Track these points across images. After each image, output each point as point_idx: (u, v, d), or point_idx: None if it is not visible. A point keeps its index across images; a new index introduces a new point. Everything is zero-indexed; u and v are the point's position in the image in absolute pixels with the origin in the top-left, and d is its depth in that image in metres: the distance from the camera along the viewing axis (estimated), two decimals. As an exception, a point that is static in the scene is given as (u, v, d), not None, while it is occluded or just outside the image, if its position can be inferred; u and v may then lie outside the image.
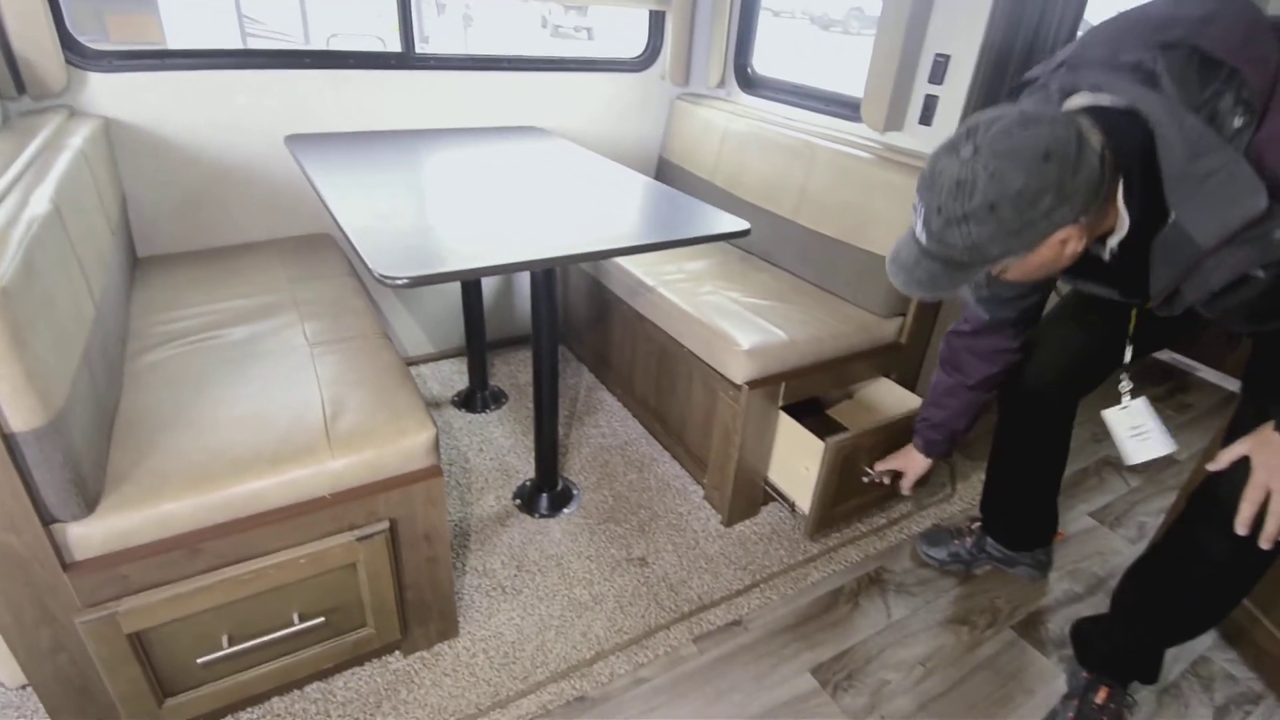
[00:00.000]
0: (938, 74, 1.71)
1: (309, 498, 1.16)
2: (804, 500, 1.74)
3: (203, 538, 1.11)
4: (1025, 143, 0.83)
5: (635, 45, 2.48)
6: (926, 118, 1.77)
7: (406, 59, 2.06)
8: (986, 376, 1.44)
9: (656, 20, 2.42)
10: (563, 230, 1.45)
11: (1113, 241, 0.95)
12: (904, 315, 1.88)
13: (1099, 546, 1.89)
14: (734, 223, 1.53)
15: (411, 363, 2.48)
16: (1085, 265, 1.01)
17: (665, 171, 2.58)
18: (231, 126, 1.90)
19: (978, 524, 1.78)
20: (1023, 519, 1.71)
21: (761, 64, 2.39)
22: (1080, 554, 1.86)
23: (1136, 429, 1.27)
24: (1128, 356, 1.27)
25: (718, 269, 2.10)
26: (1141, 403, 1.27)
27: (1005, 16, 1.59)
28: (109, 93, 1.76)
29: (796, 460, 1.74)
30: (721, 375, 1.72)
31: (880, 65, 1.76)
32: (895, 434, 1.69)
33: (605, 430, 2.20)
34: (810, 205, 2.00)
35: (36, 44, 1.59)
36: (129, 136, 1.81)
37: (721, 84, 2.40)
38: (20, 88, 1.62)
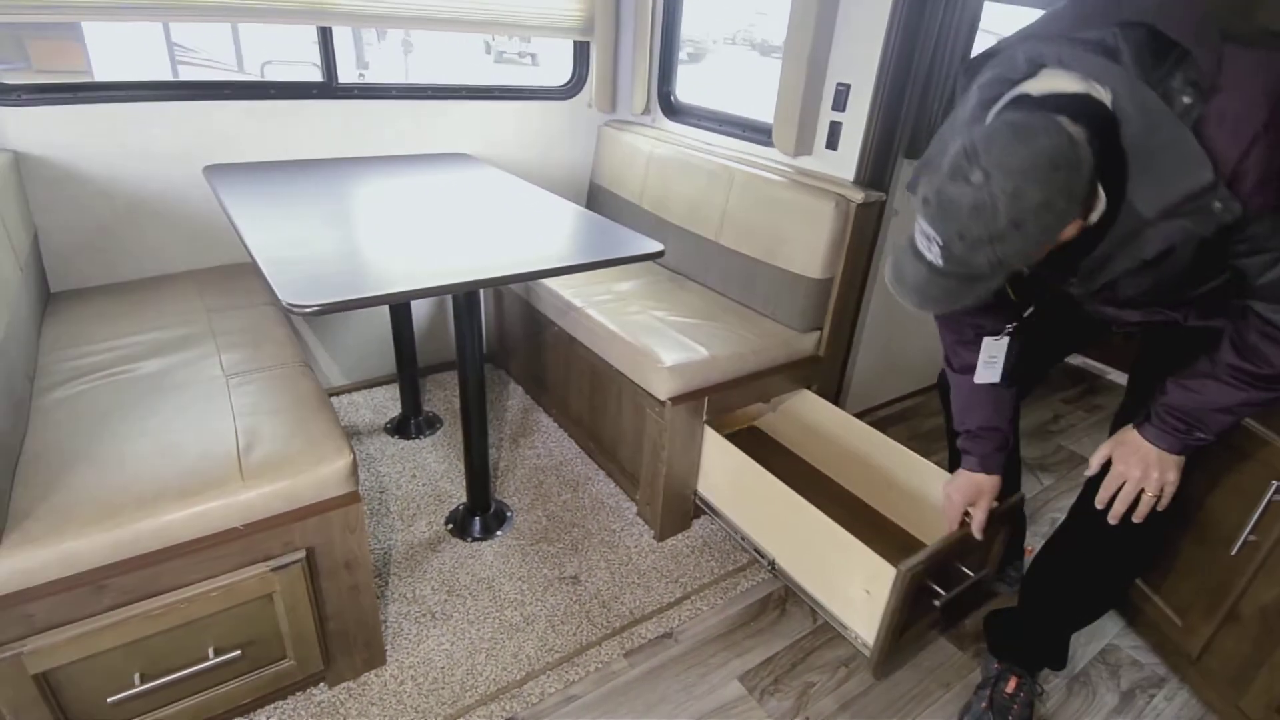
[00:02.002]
0: (840, 101, 1.81)
1: (220, 529, 1.15)
2: (864, 629, 1.50)
3: (109, 574, 1.09)
4: (1031, 157, 0.84)
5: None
6: (833, 142, 1.87)
7: (329, 89, 2.07)
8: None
9: (581, 50, 2.50)
10: (484, 255, 1.48)
11: (1091, 220, 0.96)
12: (821, 329, 1.96)
13: (1012, 543, 1.99)
14: (650, 245, 1.58)
15: (344, 391, 2.46)
16: None
17: (596, 196, 2.64)
18: (149, 159, 1.88)
19: None
20: None
21: (691, 91, 2.48)
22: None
23: (993, 357, 1.35)
24: (1004, 333, 1.34)
25: (645, 289, 2.16)
26: (1006, 341, 1.34)
27: (898, 49, 1.70)
28: (19, 127, 1.72)
29: (849, 579, 1.51)
30: (647, 392, 1.77)
31: (787, 93, 1.86)
32: (969, 542, 1.47)
33: (541, 451, 2.22)
34: (731, 226, 2.08)
35: (-63, 78, 1.56)
36: (41, 170, 1.77)
37: (646, 110, 2.48)
38: (-79, 123, 1.58)
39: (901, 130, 1.84)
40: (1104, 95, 0.90)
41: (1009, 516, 1.55)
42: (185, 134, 1.91)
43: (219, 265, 2.05)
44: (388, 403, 2.41)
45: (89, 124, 1.79)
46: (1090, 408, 2.79)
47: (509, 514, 1.93)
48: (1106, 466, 1.22)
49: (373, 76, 7.51)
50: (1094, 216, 0.96)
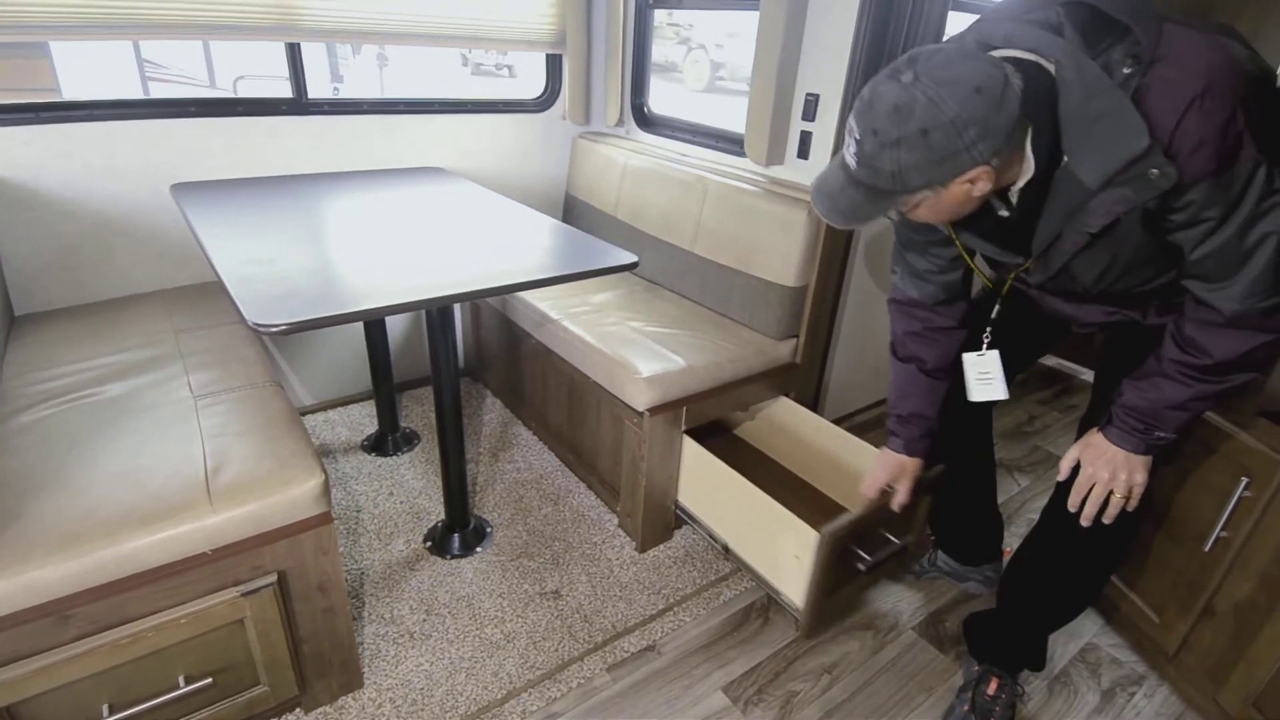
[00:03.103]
0: (809, 111, 1.83)
1: (187, 555, 1.13)
2: (795, 593, 1.60)
3: (73, 604, 1.06)
4: (962, 74, 0.88)
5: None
6: (804, 152, 1.89)
7: (298, 104, 2.06)
8: (938, 360, 1.43)
9: (554, 63, 2.50)
10: (457, 270, 1.47)
11: (1018, 185, 1.00)
12: (797, 337, 1.97)
13: (992, 545, 2.00)
14: (623, 256, 1.58)
15: (319, 409, 2.43)
16: (978, 220, 1.09)
17: (572, 208, 2.64)
18: (115, 178, 1.85)
19: (931, 537, 1.85)
20: (965, 531, 1.78)
21: (658, 103, 2.50)
22: (975, 554, 1.96)
23: (985, 374, 1.38)
24: (984, 345, 1.38)
25: (622, 300, 2.16)
26: (994, 355, 1.37)
27: (865, 59, 1.72)
28: (-23, 147, 1.69)
29: (784, 548, 1.60)
30: (625, 403, 1.77)
31: (757, 104, 1.87)
32: (891, 512, 1.55)
33: (520, 465, 2.21)
34: (705, 236, 2.09)
35: (-107, 99, 1.52)
36: (3, 192, 1.74)
37: (620, 122, 2.49)
38: (-124, 145, 1.55)
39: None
40: (1049, 67, 0.94)
41: (932, 487, 1.64)
42: (152, 152, 1.88)
43: (188, 285, 2.02)
44: (364, 420, 2.38)
45: (52, 143, 1.76)
46: (1065, 408, 2.83)
47: (489, 530, 1.91)
48: (1077, 470, 1.24)
49: (347, 91, 7.47)
50: (1018, 181, 0.99)
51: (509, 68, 11.06)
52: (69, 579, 1.06)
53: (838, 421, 2.44)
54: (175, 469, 1.21)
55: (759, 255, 1.93)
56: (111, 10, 1.70)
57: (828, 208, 1.02)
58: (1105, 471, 1.18)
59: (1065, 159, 0.96)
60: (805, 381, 2.06)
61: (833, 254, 1.88)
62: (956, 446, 1.62)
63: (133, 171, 1.87)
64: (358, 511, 1.96)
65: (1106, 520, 1.21)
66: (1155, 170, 0.91)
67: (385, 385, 2.18)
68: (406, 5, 2.08)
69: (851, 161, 0.96)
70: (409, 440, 2.27)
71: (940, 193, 0.96)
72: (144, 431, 1.32)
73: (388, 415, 2.23)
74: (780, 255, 1.87)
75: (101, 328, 1.72)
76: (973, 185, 0.95)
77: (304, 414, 2.39)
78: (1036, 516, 2.12)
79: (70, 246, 1.86)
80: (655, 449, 1.75)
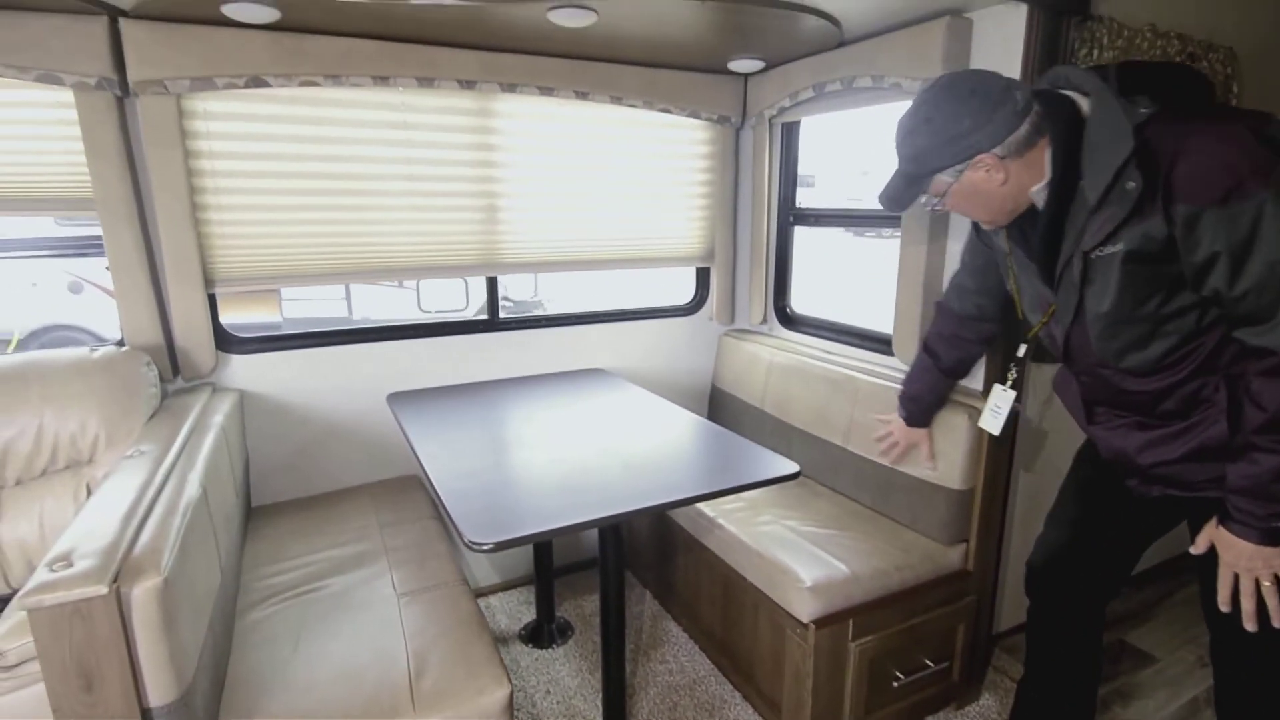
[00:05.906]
0: (961, 318, 1.89)
1: (392, 764, 1.21)
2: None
3: (291, 808, 1.15)
4: (962, 83, 1.14)
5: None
6: (957, 355, 1.92)
7: (492, 324, 2.40)
8: (951, 362, 1.73)
9: (702, 274, 2.77)
10: (626, 479, 1.58)
11: (1038, 186, 1.18)
12: (967, 541, 1.89)
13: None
14: (785, 466, 1.64)
15: (482, 594, 2.55)
16: (1022, 235, 1.28)
17: (718, 399, 2.77)
18: (341, 391, 2.21)
19: None
20: None
21: (799, 303, 2.67)
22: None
23: (998, 408, 1.64)
24: (1010, 381, 1.63)
25: (775, 495, 2.18)
26: (1011, 395, 1.61)
27: (1014, 269, 1.78)
28: (245, 370, 2.09)
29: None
30: (786, 612, 1.73)
31: (904, 308, 1.97)
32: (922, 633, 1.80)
33: (673, 666, 2.17)
34: (859, 433, 2.11)
35: (195, 339, 1.95)
36: (256, 404, 2.12)
37: (764, 320, 2.66)
38: (176, 371, 1.96)
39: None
40: (1083, 105, 1.13)
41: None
42: (374, 368, 2.24)
43: (388, 479, 2.29)
44: (521, 607, 2.47)
45: (297, 364, 2.15)
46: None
47: (645, 740, 1.86)
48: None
49: (506, 281, 8.44)
50: (1039, 184, 1.17)
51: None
52: (291, 782, 1.16)
53: (1013, 632, 2.25)
54: (384, 672, 1.33)
55: (919, 453, 1.92)
56: (349, 261, 2.11)
57: (879, 194, 1.26)
58: (1242, 560, 1.09)
59: (1083, 180, 1.11)
60: (982, 591, 1.93)
61: (998, 456, 1.84)
62: (1058, 631, 1.54)
63: (358, 385, 2.22)
64: (517, 711, 1.98)
65: (1277, 622, 1.08)
66: (1131, 183, 1.03)
67: (545, 573, 2.28)
68: (583, 240, 2.43)
69: (897, 159, 1.22)
70: (564, 631, 2.32)
71: (960, 179, 1.17)
72: (357, 631, 1.46)
73: (545, 604, 2.30)
74: (943, 457, 1.85)
75: (320, 521, 1.97)
76: (988, 173, 1.15)
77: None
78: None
79: (301, 448, 2.19)
80: (821, 664, 1.68)
